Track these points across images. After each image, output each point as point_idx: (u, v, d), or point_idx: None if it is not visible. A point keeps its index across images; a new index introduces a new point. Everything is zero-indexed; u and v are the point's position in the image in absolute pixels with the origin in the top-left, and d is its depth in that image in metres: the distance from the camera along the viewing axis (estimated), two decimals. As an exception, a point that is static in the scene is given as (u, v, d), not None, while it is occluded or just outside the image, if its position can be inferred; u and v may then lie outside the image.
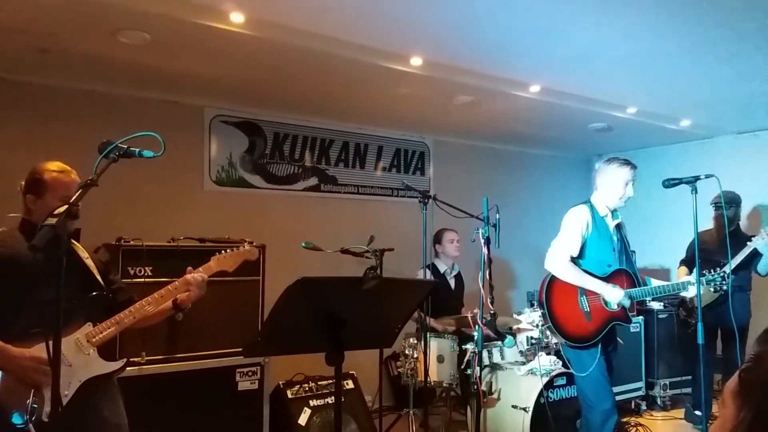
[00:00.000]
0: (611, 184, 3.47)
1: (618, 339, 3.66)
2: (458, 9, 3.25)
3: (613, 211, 3.54)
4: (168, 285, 2.54)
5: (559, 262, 3.46)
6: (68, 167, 2.45)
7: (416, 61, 3.99)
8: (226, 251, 2.76)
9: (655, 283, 3.50)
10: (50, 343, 1.82)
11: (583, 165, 7.63)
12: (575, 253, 3.46)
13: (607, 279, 3.43)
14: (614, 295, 3.36)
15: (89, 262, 2.51)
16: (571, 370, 3.54)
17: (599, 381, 3.37)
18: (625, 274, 3.48)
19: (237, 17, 3.28)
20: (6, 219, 2.48)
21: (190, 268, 2.61)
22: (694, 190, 3.25)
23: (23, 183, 2.42)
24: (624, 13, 3.28)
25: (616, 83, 4.59)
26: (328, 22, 3.43)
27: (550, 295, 3.50)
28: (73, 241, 2.49)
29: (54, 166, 2.42)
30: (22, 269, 2.26)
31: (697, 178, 3.24)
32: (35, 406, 2.17)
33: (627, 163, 3.47)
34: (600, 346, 3.40)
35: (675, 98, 5.01)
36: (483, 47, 3.84)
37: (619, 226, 3.57)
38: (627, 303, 3.40)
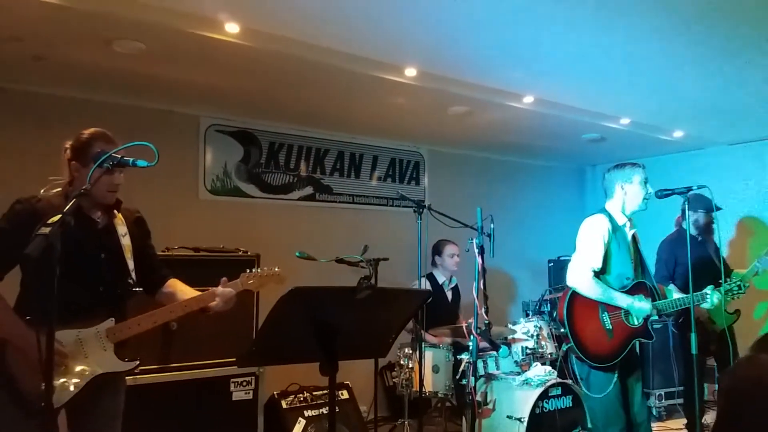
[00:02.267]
0: (630, 187, 3.34)
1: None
2: (453, 20, 3.27)
3: (630, 219, 3.40)
4: (196, 296, 2.51)
5: (582, 278, 3.27)
6: (113, 136, 2.38)
7: (411, 71, 4.01)
8: (254, 270, 2.67)
9: (675, 295, 3.39)
10: (55, 333, 1.84)
11: (576, 175, 7.67)
12: (598, 266, 3.28)
13: (628, 293, 3.29)
14: (642, 309, 3.23)
15: (125, 241, 2.46)
16: (583, 388, 3.40)
17: (612, 405, 3.23)
18: (645, 287, 3.35)
19: (232, 27, 3.30)
20: (46, 181, 2.42)
21: (224, 279, 2.55)
22: (687, 201, 3.26)
23: (68, 147, 2.36)
24: (618, 25, 3.31)
25: (609, 94, 4.62)
26: (323, 32, 3.45)
27: (572, 312, 3.31)
28: (115, 212, 2.47)
29: (103, 135, 2.35)
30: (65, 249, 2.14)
31: (689, 189, 3.21)
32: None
33: (637, 164, 3.39)
34: (617, 371, 3.26)
35: (668, 109, 5.04)
36: (477, 58, 3.87)
37: (633, 236, 3.44)
38: (656, 315, 3.28)
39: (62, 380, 2.20)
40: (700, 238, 4.62)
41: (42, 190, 2.39)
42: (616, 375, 3.26)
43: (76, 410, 2.32)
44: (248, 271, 2.66)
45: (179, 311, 2.46)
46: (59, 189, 2.39)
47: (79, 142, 2.34)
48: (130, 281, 2.48)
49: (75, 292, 2.23)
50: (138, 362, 2.47)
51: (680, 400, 5.20)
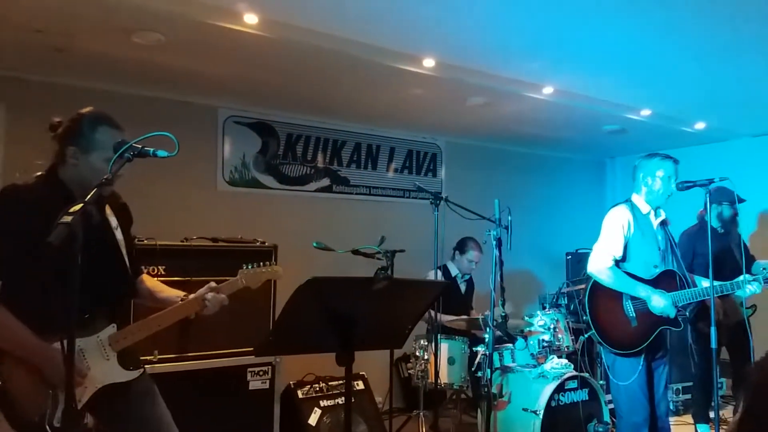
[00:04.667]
0: (653, 181, 3.35)
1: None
2: (471, 10, 3.25)
3: (656, 209, 3.41)
4: (192, 296, 2.37)
5: (601, 266, 3.31)
6: (119, 123, 2.21)
7: (429, 62, 3.99)
8: (250, 267, 2.56)
9: (704, 284, 3.31)
10: (65, 343, 1.69)
11: (596, 167, 7.59)
12: (619, 255, 3.32)
13: (654, 282, 3.29)
14: (658, 304, 3.22)
15: (119, 234, 2.30)
16: (610, 375, 3.41)
17: (635, 393, 3.26)
18: (674, 276, 3.33)
19: (251, 18, 3.30)
20: (34, 166, 2.25)
21: (212, 283, 2.40)
22: (708, 193, 3.21)
23: (63, 129, 2.16)
24: (638, 13, 3.26)
25: (629, 85, 4.56)
26: (341, 23, 3.44)
27: (593, 299, 3.36)
28: (108, 207, 2.30)
29: (107, 118, 2.17)
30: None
31: (711, 181, 3.17)
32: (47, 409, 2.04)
33: (668, 157, 3.37)
34: (644, 356, 3.27)
35: (689, 100, 4.97)
36: (496, 49, 3.83)
37: (663, 224, 3.44)
38: (672, 312, 3.23)
39: (62, 396, 1.99)
40: (722, 231, 4.57)
41: (17, 174, 2.23)
42: (642, 363, 3.27)
43: (106, 418, 2.21)
44: (246, 267, 2.56)
45: (182, 313, 2.34)
46: (41, 173, 2.20)
47: (78, 124, 2.16)
48: (129, 280, 2.35)
49: (71, 297, 2.00)
50: (144, 370, 2.34)
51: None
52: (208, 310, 2.36)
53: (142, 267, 2.56)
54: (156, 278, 3.32)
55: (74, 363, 1.74)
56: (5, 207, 2.08)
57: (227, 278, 2.51)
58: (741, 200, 4.10)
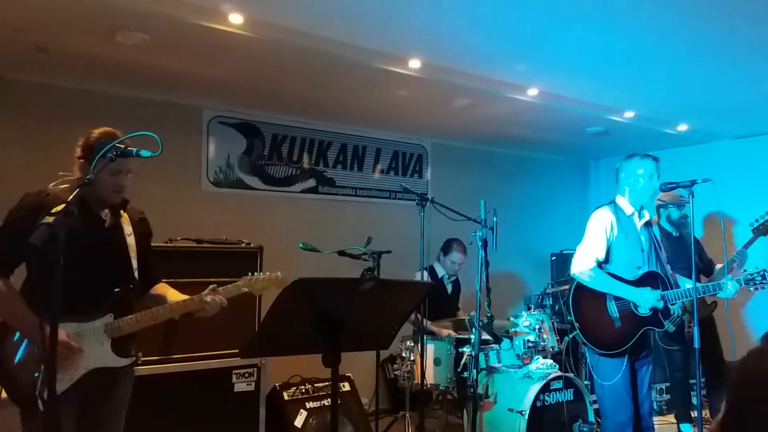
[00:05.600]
0: (636, 179, 3.39)
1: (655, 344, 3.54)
2: (457, 12, 3.26)
3: (641, 209, 3.45)
4: (194, 296, 2.53)
5: (584, 268, 3.35)
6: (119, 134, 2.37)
7: (415, 63, 3.99)
8: (258, 273, 2.72)
9: (688, 285, 3.34)
10: (49, 327, 1.85)
11: (580, 169, 7.65)
12: (601, 257, 3.35)
13: (637, 282, 3.32)
14: (645, 300, 3.25)
15: (131, 241, 2.51)
16: (593, 375, 3.45)
17: (619, 393, 3.29)
18: (657, 277, 3.35)
19: (236, 18, 3.28)
20: (49, 172, 2.46)
21: (213, 285, 2.58)
22: (691, 195, 3.25)
23: (79, 146, 2.39)
24: (622, 16, 3.29)
25: (613, 87, 4.60)
26: (327, 23, 3.44)
27: (577, 300, 3.41)
28: (122, 212, 2.52)
29: (110, 134, 2.36)
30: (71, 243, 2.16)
31: (693, 182, 3.21)
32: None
33: (648, 155, 3.41)
34: (627, 356, 3.30)
35: (672, 102, 5.02)
36: (481, 50, 3.85)
37: (648, 225, 3.47)
38: (660, 305, 3.27)
39: (61, 373, 2.21)
40: (676, 233, 4.66)
41: (51, 184, 2.42)
42: (625, 364, 3.30)
43: (85, 401, 2.35)
44: (250, 274, 2.71)
45: (180, 310, 2.51)
46: (67, 185, 2.41)
47: (88, 141, 2.37)
48: (133, 280, 2.50)
49: (79, 286, 2.23)
50: (135, 359, 2.50)
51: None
52: (207, 312, 2.52)
53: (157, 277, 2.71)
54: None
55: (56, 354, 1.89)
56: (27, 206, 2.30)
57: (212, 280, 2.59)
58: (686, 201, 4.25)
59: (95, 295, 2.35)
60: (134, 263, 2.51)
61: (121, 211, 2.52)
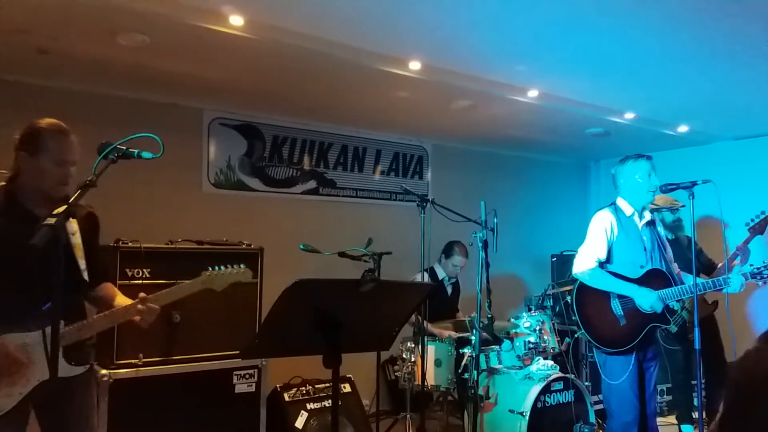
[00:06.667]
0: (634, 181, 3.41)
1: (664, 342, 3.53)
2: (457, 13, 3.26)
3: (641, 210, 3.46)
4: (132, 303, 2.40)
5: (585, 268, 3.38)
6: (67, 127, 2.28)
7: (415, 65, 4.00)
8: (218, 269, 2.59)
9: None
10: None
11: (580, 170, 7.65)
12: (603, 257, 3.39)
13: (640, 281, 3.33)
14: (646, 299, 3.26)
15: (75, 240, 2.33)
16: (601, 375, 3.45)
17: (626, 393, 3.30)
18: (660, 275, 3.37)
19: (236, 20, 3.29)
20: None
21: (142, 295, 2.40)
22: (691, 196, 3.25)
23: (18, 137, 2.26)
24: (622, 18, 3.29)
25: (613, 88, 4.60)
26: (327, 25, 3.44)
27: (581, 300, 3.43)
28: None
29: (53, 123, 2.26)
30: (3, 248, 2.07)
31: (694, 183, 3.22)
32: None
33: (641, 156, 3.43)
34: (635, 355, 3.30)
35: (672, 104, 5.02)
36: (482, 52, 3.85)
37: (651, 224, 3.49)
38: (659, 307, 3.27)
39: (5, 388, 2.13)
40: (672, 236, 4.68)
41: None
42: (632, 363, 3.30)
43: (46, 410, 2.26)
44: (210, 269, 2.59)
45: (121, 317, 2.37)
46: (2, 183, 2.28)
47: (29, 131, 2.24)
48: (82, 282, 2.36)
49: (20, 294, 2.13)
50: (89, 367, 2.40)
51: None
52: (144, 321, 2.36)
53: (102, 276, 2.57)
54: (141, 281, 3.30)
55: (57, 353, 1.85)
56: None
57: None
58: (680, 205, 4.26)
59: (42, 302, 2.15)
60: (81, 264, 2.34)
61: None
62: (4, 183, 2.29)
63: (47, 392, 2.21)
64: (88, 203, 2.43)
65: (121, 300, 2.47)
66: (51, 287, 2.02)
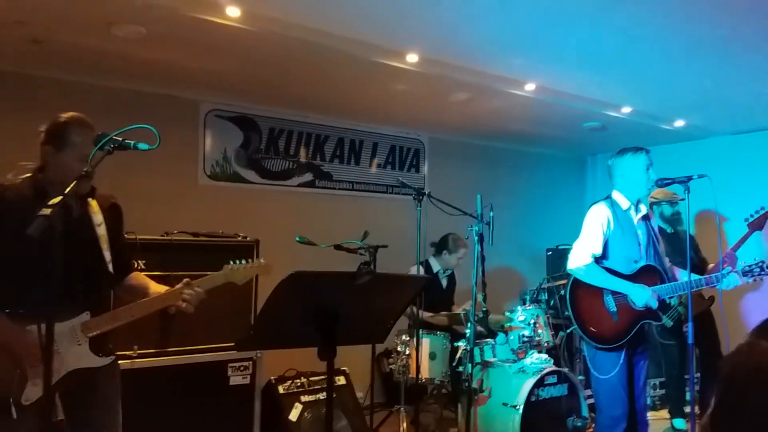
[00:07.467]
0: (631, 174, 3.38)
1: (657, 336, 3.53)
2: (455, 6, 3.25)
3: (637, 204, 3.44)
4: (173, 288, 2.42)
5: (580, 264, 3.36)
6: (91, 122, 2.30)
7: (412, 57, 3.99)
8: (239, 262, 2.59)
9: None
10: (43, 328, 1.80)
11: (577, 164, 7.66)
12: (598, 252, 3.35)
13: (634, 277, 3.32)
14: (640, 297, 3.25)
15: (101, 231, 2.36)
16: (590, 369, 3.45)
17: (615, 387, 3.29)
18: (654, 271, 3.36)
19: (233, 11, 3.27)
20: (16, 166, 2.35)
21: (187, 280, 2.43)
22: (687, 190, 3.25)
23: (43, 131, 2.28)
24: (620, 12, 3.29)
25: (611, 82, 4.60)
26: (324, 17, 3.43)
27: (575, 295, 3.41)
28: (90, 201, 2.37)
29: (78, 118, 2.28)
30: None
31: (690, 178, 3.21)
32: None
33: (639, 149, 3.39)
34: (625, 351, 3.30)
35: (669, 98, 5.02)
36: (479, 45, 3.84)
37: (646, 218, 3.47)
38: (654, 304, 3.26)
39: (33, 378, 2.15)
40: (671, 230, 4.68)
41: (9, 175, 2.31)
42: (622, 358, 3.30)
43: (72, 401, 2.26)
44: (232, 263, 2.59)
45: (159, 304, 2.39)
46: (28, 174, 2.30)
47: (55, 126, 2.27)
48: (107, 273, 2.38)
49: (47, 285, 2.11)
50: (115, 357, 2.43)
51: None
52: (188, 307, 2.39)
53: (131, 266, 2.62)
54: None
55: (52, 349, 1.83)
56: None
57: (208, 273, 2.52)
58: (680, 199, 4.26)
59: (69, 293, 2.13)
60: (107, 255, 2.36)
61: (89, 199, 2.36)
62: (29, 175, 2.30)
63: (74, 382, 2.24)
64: (110, 195, 2.51)
65: (156, 288, 2.49)
66: (71, 278, 2.12)
